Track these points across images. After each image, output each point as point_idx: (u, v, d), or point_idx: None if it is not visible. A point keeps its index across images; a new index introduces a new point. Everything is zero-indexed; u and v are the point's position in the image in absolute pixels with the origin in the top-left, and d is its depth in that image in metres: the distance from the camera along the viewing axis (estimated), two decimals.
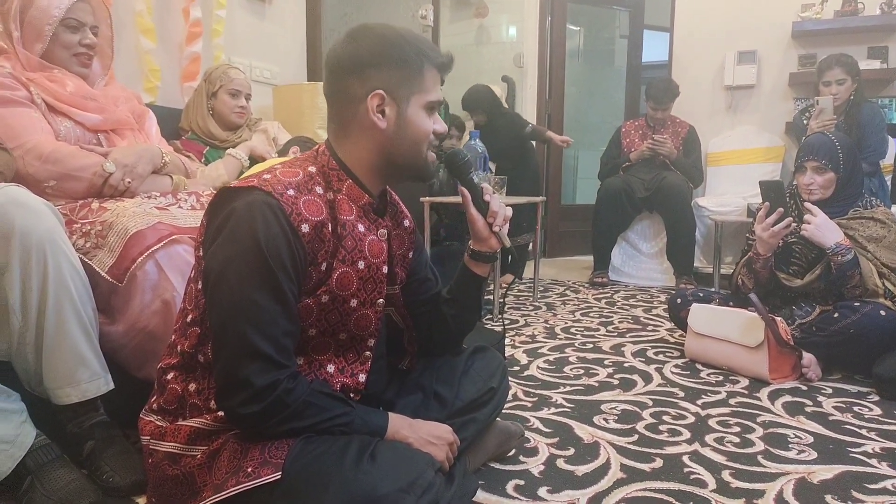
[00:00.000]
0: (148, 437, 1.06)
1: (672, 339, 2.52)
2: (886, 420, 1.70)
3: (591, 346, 2.43)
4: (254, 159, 2.34)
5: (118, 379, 1.36)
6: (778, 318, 2.03)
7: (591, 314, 2.98)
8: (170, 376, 1.07)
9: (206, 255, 1.01)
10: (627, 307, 3.15)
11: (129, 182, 1.60)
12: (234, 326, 0.95)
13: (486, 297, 3.15)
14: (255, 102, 2.53)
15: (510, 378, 1.82)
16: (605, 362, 2.22)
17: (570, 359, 2.26)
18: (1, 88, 1.53)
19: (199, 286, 1.03)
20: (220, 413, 1.01)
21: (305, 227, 0.99)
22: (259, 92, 2.98)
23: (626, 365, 2.19)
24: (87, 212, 1.49)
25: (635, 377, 2.06)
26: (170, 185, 1.73)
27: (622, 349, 2.39)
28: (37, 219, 1.21)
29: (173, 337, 1.09)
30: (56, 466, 1.22)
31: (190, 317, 1.05)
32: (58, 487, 1.20)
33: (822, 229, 2.02)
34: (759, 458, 1.47)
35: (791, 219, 2.08)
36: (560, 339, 2.54)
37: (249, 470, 0.94)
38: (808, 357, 2.02)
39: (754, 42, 4.03)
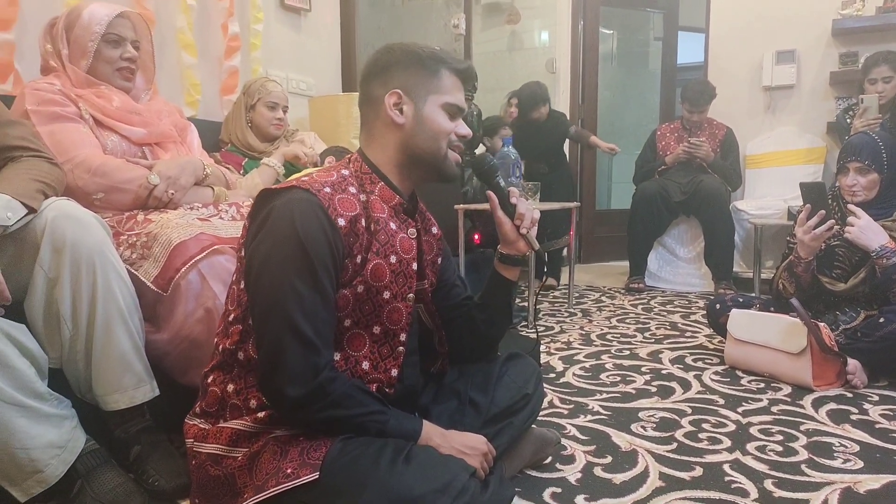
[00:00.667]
0: (192, 440, 1.10)
1: (711, 346, 2.48)
2: None
3: (628, 352, 2.41)
4: (290, 168, 2.39)
5: (163, 385, 1.40)
6: (821, 324, 1.98)
7: (628, 320, 2.95)
8: (210, 379, 1.11)
9: (247, 251, 1.05)
10: (665, 313, 3.11)
11: (173, 194, 1.65)
12: (277, 310, 0.99)
13: (520, 304, 3.14)
14: (292, 114, 2.58)
15: (546, 385, 1.82)
16: (643, 369, 2.20)
17: (607, 366, 2.24)
18: (51, 105, 1.60)
19: (242, 286, 1.07)
20: (261, 414, 1.04)
21: (342, 221, 1.04)
22: (295, 103, 3.03)
23: (663, 372, 2.17)
24: (133, 223, 1.55)
25: (673, 384, 2.03)
26: (211, 197, 1.78)
27: (660, 356, 2.36)
28: (87, 231, 1.26)
29: (215, 340, 1.13)
30: (105, 470, 1.27)
31: (232, 316, 1.09)
32: (106, 490, 1.24)
33: (867, 231, 1.97)
34: (803, 466, 1.44)
35: (833, 221, 2.03)
36: (596, 345, 2.52)
37: (289, 471, 0.97)
38: (853, 363, 1.96)
39: (793, 41, 3.95)
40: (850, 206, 2.04)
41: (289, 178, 2.09)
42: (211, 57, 2.74)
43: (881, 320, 1.94)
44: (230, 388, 1.08)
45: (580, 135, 3.83)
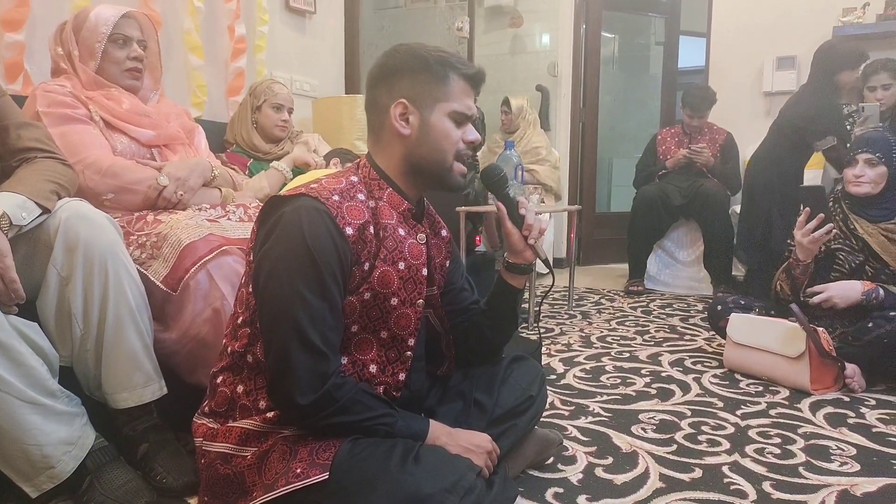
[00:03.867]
0: (201, 439, 1.11)
1: (710, 349, 2.50)
2: None
3: (628, 355, 2.43)
4: (297, 171, 2.41)
5: (171, 384, 1.42)
6: (820, 329, 2.00)
7: (627, 323, 2.98)
8: (219, 379, 1.12)
9: (256, 256, 1.06)
10: (664, 316, 3.14)
11: (182, 195, 1.67)
12: (285, 318, 1.00)
13: (522, 306, 3.16)
14: (296, 115, 2.60)
15: (548, 387, 1.84)
16: (642, 371, 2.22)
17: (607, 368, 2.26)
18: (62, 107, 1.62)
19: (250, 289, 1.08)
20: (270, 414, 1.06)
21: (350, 230, 1.05)
22: (299, 105, 3.05)
23: (663, 374, 2.19)
24: (142, 224, 1.57)
25: (673, 387, 2.05)
26: (219, 198, 1.80)
27: (659, 358, 2.38)
28: (99, 232, 1.28)
29: (224, 341, 1.15)
30: (114, 467, 1.28)
31: (241, 319, 1.10)
32: (115, 487, 1.26)
33: (841, 291, 2.00)
34: (801, 469, 1.46)
35: (832, 224, 2.05)
36: (596, 347, 2.54)
37: (298, 471, 0.99)
38: (851, 367, 1.99)
39: (794, 47, 3.97)
40: (810, 289, 2.06)
41: (295, 180, 2.12)
42: (217, 59, 2.76)
43: (870, 325, 1.96)
44: (240, 388, 1.10)
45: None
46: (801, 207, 2.09)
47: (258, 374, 1.09)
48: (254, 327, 1.08)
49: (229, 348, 1.12)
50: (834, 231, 2.06)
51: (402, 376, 1.17)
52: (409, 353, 1.18)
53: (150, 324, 1.40)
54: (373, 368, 1.14)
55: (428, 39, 3.38)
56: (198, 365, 1.44)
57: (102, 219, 1.31)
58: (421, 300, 1.18)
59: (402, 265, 1.12)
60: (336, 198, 1.06)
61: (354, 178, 1.13)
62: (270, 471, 1.03)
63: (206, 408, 1.14)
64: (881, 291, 1.99)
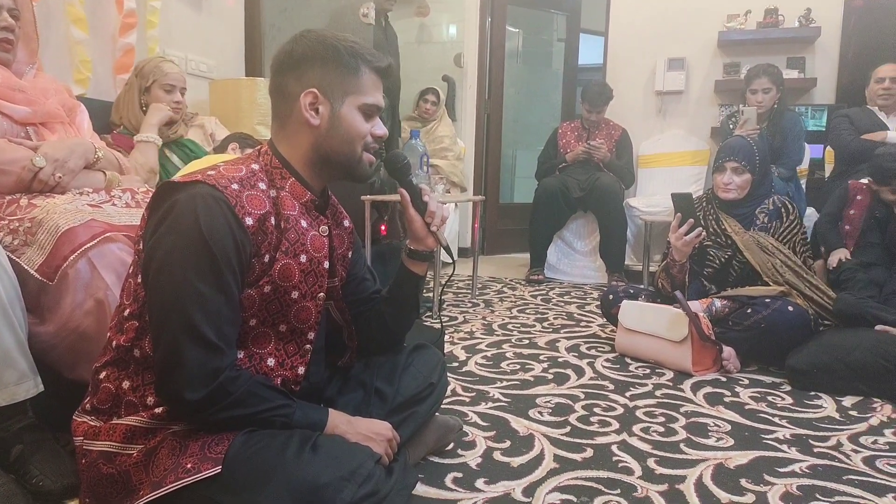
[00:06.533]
0: (81, 438, 1.05)
1: (604, 335, 2.63)
2: (796, 409, 1.84)
3: (528, 341, 2.51)
4: (191, 153, 2.30)
5: (48, 380, 1.32)
6: (701, 314, 2.15)
7: (528, 311, 3.07)
8: (103, 375, 1.06)
9: (146, 245, 1.01)
10: (562, 304, 3.25)
11: (60, 177, 1.55)
12: (176, 312, 0.96)
13: (426, 295, 3.19)
14: (191, 97, 2.48)
15: (449, 374, 1.87)
16: (541, 357, 2.29)
17: (507, 354, 2.32)
18: None
19: (139, 280, 1.03)
20: (158, 410, 1.01)
21: (249, 220, 1.01)
22: (195, 86, 2.92)
23: (560, 360, 2.27)
24: (14, 208, 1.44)
25: (569, 371, 2.14)
26: (103, 182, 1.69)
27: (557, 344, 2.47)
28: None
29: (109, 335, 1.08)
30: None
31: (127, 311, 1.04)
32: None
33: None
34: (682, 445, 1.57)
35: (701, 228, 2.22)
36: (497, 335, 2.60)
37: (189, 466, 0.95)
38: (727, 350, 2.15)
39: (683, 49, 4.21)
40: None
41: (189, 165, 2.02)
42: (104, 33, 2.58)
43: (748, 311, 2.14)
44: (126, 384, 1.04)
45: None
46: (674, 213, 2.25)
47: (146, 370, 1.03)
48: (142, 320, 1.02)
49: (114, 342, 1.06)
50: (703, 234, 2.23)
51: (301, 370, 1.15)
52: (308, 346, 1.16)
53: (24, 316, 1.29)
54: (271, 362, 1.11)
55: (333, 24, 3.32)
56: (79, 360, 1.35)
57: None
58: (322, 293, 1.16)
59: (303, 258, 1.10)
60: (235, 186, 1.02)
61: (255, 166, 1.10)
62: (159, 468, 0.98)
63: (88, 405, 1.08)
64: (717, 303, 2.20)
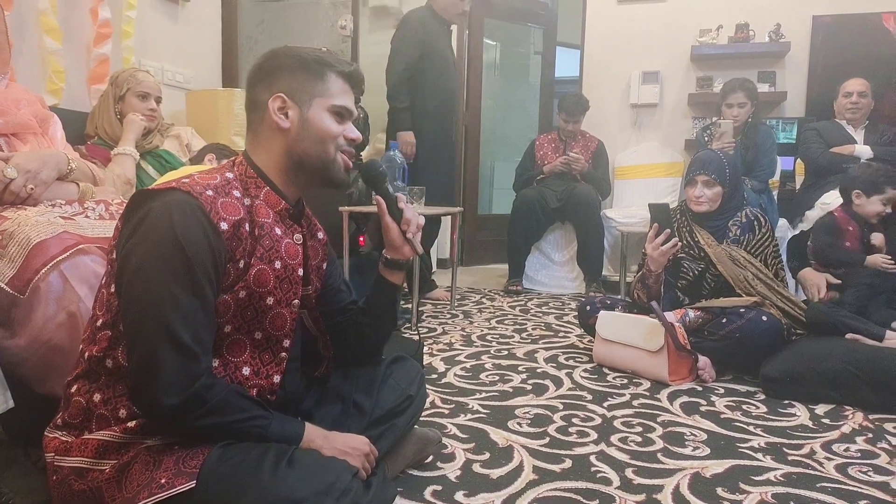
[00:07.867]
0: (52, 454, 1.03)
1: (581, 345, 2.64)
2: (771, 417, 1.86)
3: (506, 352, 2.51)
4: (166, 164, 2.28)
5: (18, 395, 1.29)
6: (676, 325, 2.17)
7: (507, 322, 3.07)
8: (74, 388, 1.04)
9: (120, 253, 1.00)
10: (540, 314, 3.27)
11: (32, 189, 1.53)
12: (152, 316, 0.95)
13: (404, 306, 3.18)
14: (168, 107, 2.47)
15: (428, 386, 1.86)
16: (520, 368, 2.30)
17: (486, 366, 2.33)
18: None
19: (112, 290, 1.02)
20: (131, 424, 1.00)
21: (224, 225, 1.01)
22: (171, 96, 2.90)
23: (538, 371, 2.28)
24: None
25: (547, 382, 2.15)
26: (76, 193, 1.67)
27: (535, 355, 2.48)
28: None
29: (81, 347, 1.07)
30: None
31: (101, 321, 1.03)
32: None
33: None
34: (659, 455, 1.58)
35: (677, 238, 2.26)
36: (476, 346, 2.60)
37: (163, 481, 0.94)
38: (703, 360, 2.17)
39: (657, 63, 4.28)
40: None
41: (165, 176, 2.00)
42: (78, 43, 2.56)
43: (724, 320, 2.18)
44: (97, 397, 1.02)
45: None
46: (651, 223, 2.28)
47: (118, 381, 1.02)
48: (115, 330, 1.01)
49: (87, 353, 1.04)
50: (679, 245, 2.26)
51: (276, 378, 1.15)
52: (284, 354, 1.16)
53: None
54: (246, 371, 1.10)
55: (310, 36, 3.33)
56: (51, 373, 1.32)
57: None
58: (297, 300, 1.16)
59: (278, 264, 1.10)
60: (210, 192, 1.02)
61: (230, 175, 1.10)
62: (132, 483, 0.96)
63: (60, 420, 1.06)
64: (691, 314, 2.23)
